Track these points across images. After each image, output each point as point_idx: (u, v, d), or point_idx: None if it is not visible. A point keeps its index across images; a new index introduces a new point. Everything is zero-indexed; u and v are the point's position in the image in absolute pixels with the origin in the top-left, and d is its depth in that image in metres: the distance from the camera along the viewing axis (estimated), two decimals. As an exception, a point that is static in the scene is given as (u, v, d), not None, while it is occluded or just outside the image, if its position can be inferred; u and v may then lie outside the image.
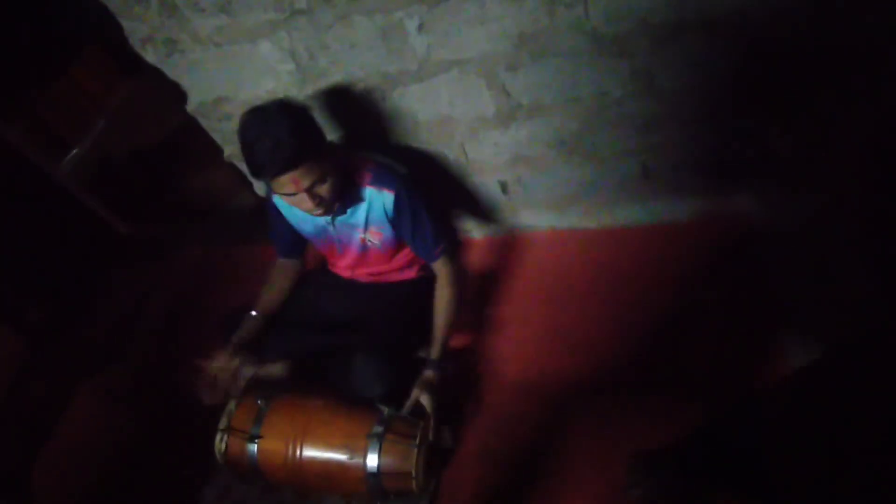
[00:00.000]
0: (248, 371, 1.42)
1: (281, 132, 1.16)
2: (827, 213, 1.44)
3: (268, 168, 1.17)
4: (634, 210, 1.67)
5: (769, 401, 1.09)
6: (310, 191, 1.22)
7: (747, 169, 1.51)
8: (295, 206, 1.29)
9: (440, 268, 1.45)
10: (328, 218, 1.41)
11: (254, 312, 1.49)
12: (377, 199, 1.36)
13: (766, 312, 1.40)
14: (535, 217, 1.77)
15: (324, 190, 1.25)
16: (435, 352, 1.40)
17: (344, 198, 1.36)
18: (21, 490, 1.83)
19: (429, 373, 1.37)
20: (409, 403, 1.31)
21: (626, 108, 1.39)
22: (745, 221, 1.56)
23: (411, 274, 1.59)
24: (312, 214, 1.31)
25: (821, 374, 0.95)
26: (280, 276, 1.58)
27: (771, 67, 1.26)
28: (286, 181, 1.19)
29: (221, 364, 1.35)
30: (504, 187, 1.68)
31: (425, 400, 1.32)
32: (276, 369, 1.51)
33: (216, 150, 1.78)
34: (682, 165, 1.52)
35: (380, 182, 1.35)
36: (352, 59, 1.38)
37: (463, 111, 1.47)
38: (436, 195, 1.52)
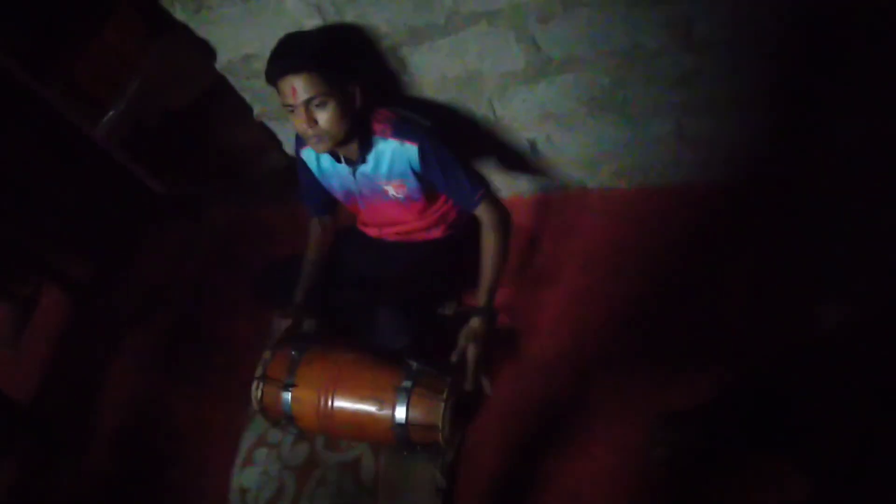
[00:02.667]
0: (282, 324, 1.48)
1: (306, 37, 1.28)
2: (869, 176, 1.37)
3: (278, 62, 1.21)
4: (668, 170, 1.63)
5: (800, 360, 1.08)
6: (307, 106, 1.22)
7: (789, 130, 1.44)
8: (295, 124, 1.27)
9: (483, 213, 1.37)
10: (349, 169, 1.41)
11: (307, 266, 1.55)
12: (399, 152, 1.35)
13: (800, 276, 1.36)
14: (564, 176, 1.74)
15: (322, 116, 1.24)
16: (483, 299, 1.34)
17: (363, 148, 1.36)
18: (73, 442, 1.95)
19: (476, 321, 1.32)
20: (456, 353, 1.30)
21: (661, 62, 1.33)
22: (783, 184, 1.50)
23: (438, 233, 1.60)
24: (307, 140, 1.29)
25: (853, 334, 0.93)
26: (319, 234, 1.60)
27: (829, 19, 1.17)
28: (287, 87, 1.21)
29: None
30: (533, 145, 1.66)
31: (471, 350, 1.29)
32: (304, 325, 1.56)
33: (246, 109, 1.79)
34: (719, 124, 1.46)
35: (401, 134, 1.34)
36: (378, 13, 1.36)
37: (492, 66, 1.44)
38: (463, 152, 1.50)
